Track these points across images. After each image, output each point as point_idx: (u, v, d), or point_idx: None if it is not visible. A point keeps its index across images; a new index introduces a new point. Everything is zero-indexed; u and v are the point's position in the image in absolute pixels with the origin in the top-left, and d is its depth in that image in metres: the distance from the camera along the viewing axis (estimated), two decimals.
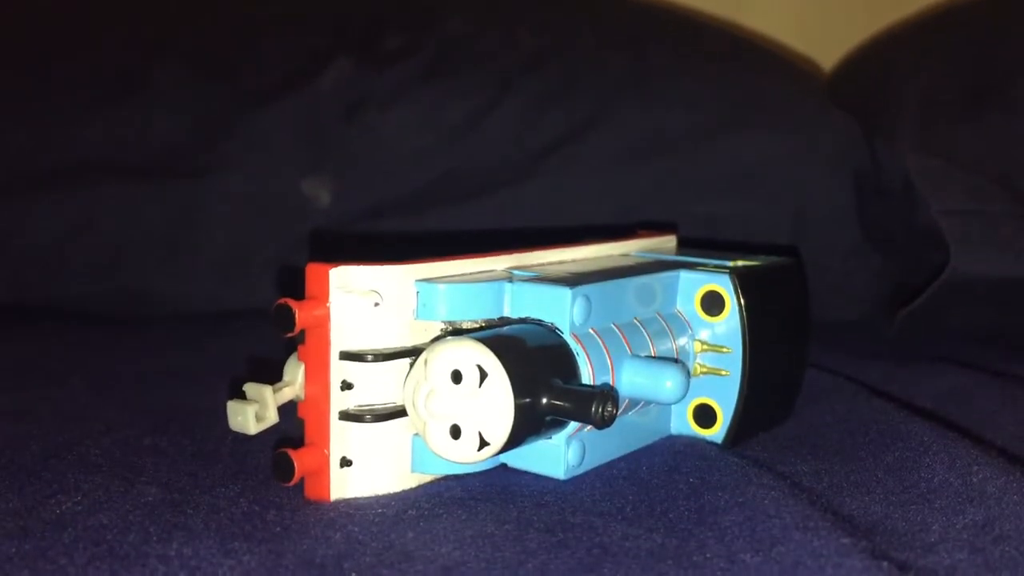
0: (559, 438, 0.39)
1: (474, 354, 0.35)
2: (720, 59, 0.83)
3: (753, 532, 0.34)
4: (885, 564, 0.31)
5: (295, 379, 0.39)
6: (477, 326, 0.39)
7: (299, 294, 0.37)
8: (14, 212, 0.73)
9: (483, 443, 0.35)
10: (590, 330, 0.39)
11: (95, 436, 0.44)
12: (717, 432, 0.44)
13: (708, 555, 0.33)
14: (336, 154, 0.75)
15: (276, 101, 0.76)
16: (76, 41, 0.79)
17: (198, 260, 0.73)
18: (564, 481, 0.39)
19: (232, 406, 0.38)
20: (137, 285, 0.73)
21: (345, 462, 0.37)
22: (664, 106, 0.79)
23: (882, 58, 0.89)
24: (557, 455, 0.39)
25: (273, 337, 0.37)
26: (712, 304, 0.44)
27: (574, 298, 0.38)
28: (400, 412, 0.37)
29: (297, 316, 0.36)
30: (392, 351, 0.37)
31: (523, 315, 0.39)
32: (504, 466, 0.40)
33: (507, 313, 0.40)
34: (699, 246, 0.52)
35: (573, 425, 0.39)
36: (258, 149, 0.75)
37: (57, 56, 0.78)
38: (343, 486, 0.37)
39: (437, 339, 0.38)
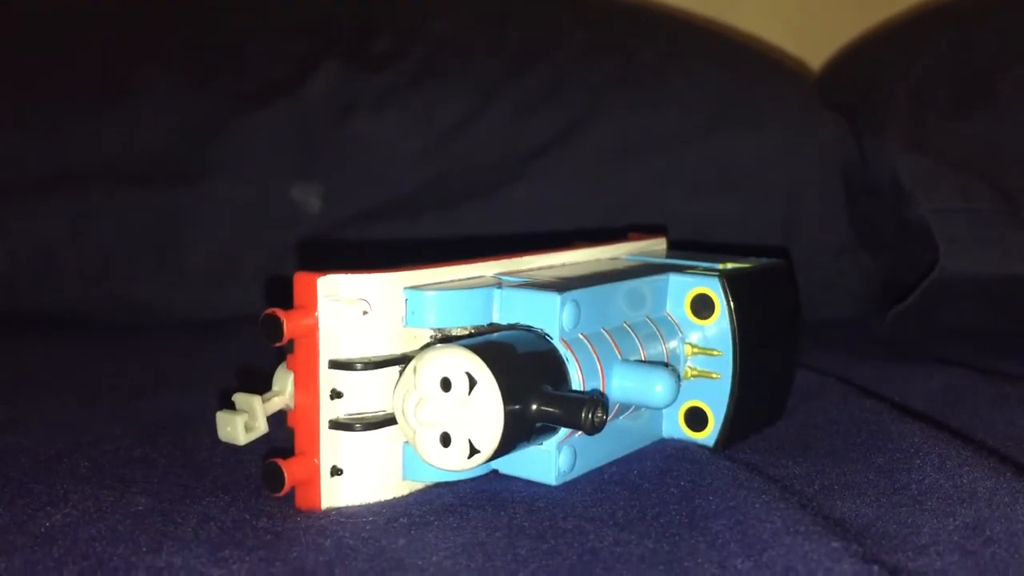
0: (550, 444, 0.39)
1: (463, 361, 0.35)
2: (709, 59, 0.83)
3: (744, 536, 0.34)
4: (876, 568, 0.31)
5: (284, 388, 0.39)
6: (466, 333, 0.39)
7: (288, 302, 0.37)
8: (1, 220, 0.72)
9: (473, 451, 0.35)
10: (579, 335, 0.39)
11: (84, 447, 0.44)
12: (708, 435, 0.44)
13: (699, 560, 0.33)
14: (326, 159, 0.75)
15: (265, 106, 0.76)
16: (63, 48, 0.79)
17: (187, 268, 0.73)
18: (555, 487, 0.39)
19: (221, 416, 0.38)
20: (126, 293, 0.72)
21: (335, 471, 0.37)
22: (653, 107, 0.79)
23: (870, 57, 0.90)
24: (548, 461, 0.39)
25: (262, 346, 0.37)
26: (702, 307, 0.44)
27: (563, 303, 0.38)
28: (390, 420, 0.37)
29: (285, 326, 0.35)
30: (381, 359, 0.37)
31: (512, 321, 0.39)
32: (495, 472, 0.40)
33: (496, 319, 0.39)
34: (689, 248, 0.52)
35: (564, 431, 0.38)
36: (247, 155, 0.75)
37: (44, 63, 0.78)
38: (334, 495, 0.37)
39: (427, 346, 0.38)
